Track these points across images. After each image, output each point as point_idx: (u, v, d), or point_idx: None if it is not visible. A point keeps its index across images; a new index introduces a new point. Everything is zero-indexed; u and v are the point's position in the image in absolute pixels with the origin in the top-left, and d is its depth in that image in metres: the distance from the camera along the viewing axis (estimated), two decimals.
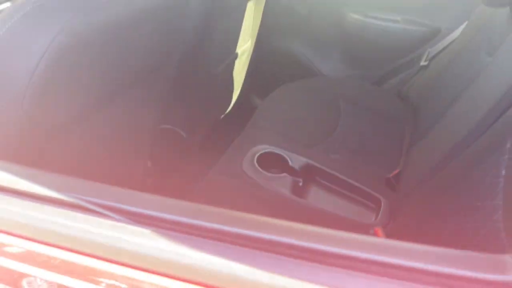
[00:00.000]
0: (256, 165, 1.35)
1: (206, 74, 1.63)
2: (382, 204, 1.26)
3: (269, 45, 2.10)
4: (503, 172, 0.56)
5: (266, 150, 1.42)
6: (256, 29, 1.94)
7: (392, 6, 1.92)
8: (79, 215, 0.39)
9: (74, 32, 0.73)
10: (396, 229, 1.08)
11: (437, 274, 0.35)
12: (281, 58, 2.13)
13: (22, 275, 0.47)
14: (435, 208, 0.89)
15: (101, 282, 0.38)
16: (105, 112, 0.94)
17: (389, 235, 1.08)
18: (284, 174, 1.35)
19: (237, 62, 1.83)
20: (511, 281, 0.33)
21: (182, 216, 0.39)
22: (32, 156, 0.66)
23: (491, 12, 1.39)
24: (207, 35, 1.43)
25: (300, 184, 1.34)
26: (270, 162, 1.39)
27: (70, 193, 0.40)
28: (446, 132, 1.18)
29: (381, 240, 0.40)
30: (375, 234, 1.12)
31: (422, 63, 1.76)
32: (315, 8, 2.04)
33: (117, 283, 0.38)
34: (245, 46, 1.87)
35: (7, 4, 1.14)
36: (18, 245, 0.42)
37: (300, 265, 0.35)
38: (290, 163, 1.38)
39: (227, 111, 1.96)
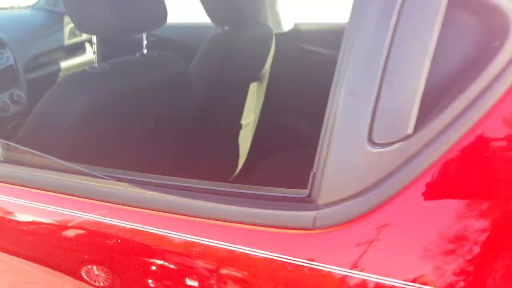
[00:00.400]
0: None
1: (213, 141, 1.96)
2: None
3: (271, 118, 2.45)
4: None
5: None
6: (259, 106, 2.30)
7: None
8: (94, 179, 0.74)
9: (98, 95, 1.10)
10: None
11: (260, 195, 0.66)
12: (282, 130, 2.47)
13: (81, 263, 0.76)
14: None
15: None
16: (125, 156, 1.27)
17: None
18: None
19: (242, 132, 2.18)
20: (300, 196, 0.63)
21: (137, 177, 0.73)
22: None
23: None
24: (212, 106, 1.79)
25: None
26: None
27: (91, 169, 0.75)
28: None
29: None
30: None
31: None
32: (310, 88, 2.41)
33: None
34: (249, 119, 2.22)
35: None
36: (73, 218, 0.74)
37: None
38: None
39: (234, 174, 2.27)
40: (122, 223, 0.69)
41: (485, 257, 0.52)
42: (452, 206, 0.54)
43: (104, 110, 1.10)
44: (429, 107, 0.54)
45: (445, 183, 0.54)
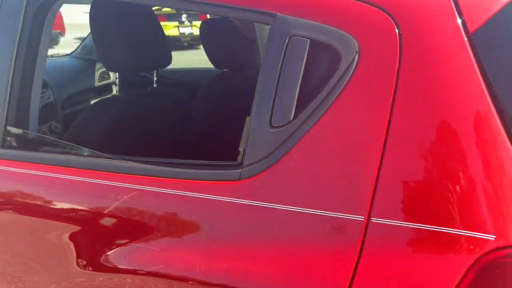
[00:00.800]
0: None
1: None
2: None
3: None
4: None
5: None
6: None
7: None
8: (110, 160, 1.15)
9: (118, 115, 1.53)
10: None
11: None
12: None
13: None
14: None
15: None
16: None
17: None
18: None
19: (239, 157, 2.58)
20: (235, 164, 1.01)
21: (134, 157, 1.13)
22: None
23: None
24: (211, 132, 2.20)
25: None
26: None
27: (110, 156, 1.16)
28: None
29: None
30: None
31: None
32: None
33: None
34: None
35: None
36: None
37: None
38: None
39: None
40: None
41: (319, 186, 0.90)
42: (304, 161, 0.93)
43: (121, 125, 1.52)
44: (301, 104, 0.93)
45: (307, 148, 0.93)
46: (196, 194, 1.03)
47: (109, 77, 3.15)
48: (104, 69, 2.99)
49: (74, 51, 3.24)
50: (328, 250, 0.90)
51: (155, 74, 1.77)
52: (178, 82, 2.65)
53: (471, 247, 0.81)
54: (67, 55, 3.28)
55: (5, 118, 1.30)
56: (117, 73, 1.70)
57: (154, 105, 1.70)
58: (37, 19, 1.33)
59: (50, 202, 1.24)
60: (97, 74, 3.07)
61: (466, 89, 0.85)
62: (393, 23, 0.89)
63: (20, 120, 1.35)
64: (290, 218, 0.93)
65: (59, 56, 3.44)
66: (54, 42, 11.36)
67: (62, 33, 11.81)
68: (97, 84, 3.07)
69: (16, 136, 1.33)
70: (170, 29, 10.22)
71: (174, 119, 1.79)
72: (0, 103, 1.30)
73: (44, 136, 1.36)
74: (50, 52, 3.69)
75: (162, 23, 8.12)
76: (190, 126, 1.94)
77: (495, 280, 0.80)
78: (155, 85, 1.79)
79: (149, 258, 1.06)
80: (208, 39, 2.26)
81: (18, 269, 1.32)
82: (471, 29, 0.86)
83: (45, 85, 2.65)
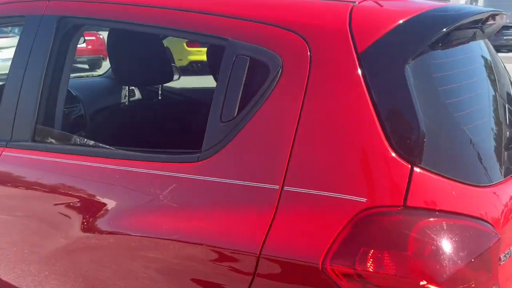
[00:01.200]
0: None
1: None
2: None
3: None
4: None
5: None
6: None
7: None
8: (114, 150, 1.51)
9: (128, 119, 1.89)
10: None
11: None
12: None
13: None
14: None
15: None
16: None
17: None
18: None
19: None
20: (197, 151, 1.35)
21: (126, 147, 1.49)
22: None
23: None
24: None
25: None
26: None
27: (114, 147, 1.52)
28: None
29: None
30: None
31: None
32: None
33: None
34: None
35: None
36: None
37: None
38: None
39: None
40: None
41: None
42: (242, 147, 1.25)
43: (130, 128, 1.89)
44: (242, 104, 1.26)
45: (245, 137, 1.25)
46: (166, 173, 1.37)
47: (134, 95, 3.55)
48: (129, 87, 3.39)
49: (106, 72, 3.68)
50: (255, 211, 1.21)
51: (160, 88, 2.14)
52: (186, 98, 3.03)
53: (350, 207, 1.11)
54: (99, 75, 3.72)
55: (35, 119, 1.68)
56: (126, 87, 2.08)
57: (159, 112, 2.06)
58: (63, 44, 1.71)
59: (61, 183, 1.61)
60: (123, 92, 3.49)
61: (352, 96, 1.16)
62: (307, 46, 1.22)
63: (47, 120, 1.73)
64: (230, 188, 1.25)
65: (93, 76, 3.90)
66: (97, 65, 12.16)
67: (104, 57, 12.72)
68: (122, 100, 3.48)
69: (43, 132, 1.71)
70: (204, 54, 10.71)
71: (170, 124, 2.15)
72: (32, 107, 1.68)
73: (64, 132, 1.73)
74: (85, 73, 4.15)
75: (196, 49, 8.73)
76: (184, 131, 2.29)
77: (365, 232, 1.09)
78: (159, 97, 2.16)
79: (131, 222, 1.40)
80: (212, 59, 2.63)
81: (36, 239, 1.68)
82: (360, 49, 1.17)
83: (77, 100, 3.05)
